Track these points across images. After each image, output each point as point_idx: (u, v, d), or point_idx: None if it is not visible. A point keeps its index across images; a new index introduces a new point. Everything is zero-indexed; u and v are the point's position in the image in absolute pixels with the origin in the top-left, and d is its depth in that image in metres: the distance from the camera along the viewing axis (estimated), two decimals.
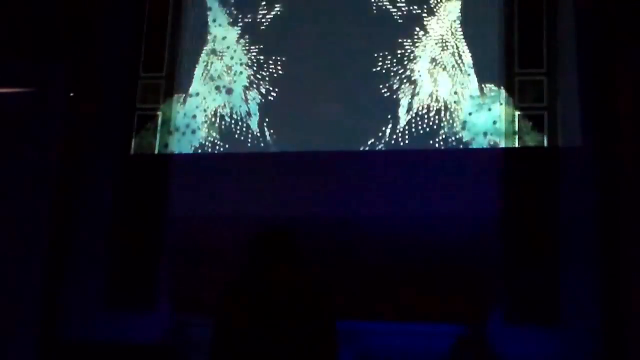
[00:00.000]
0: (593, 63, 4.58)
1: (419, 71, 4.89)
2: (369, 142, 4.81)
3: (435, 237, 4.51)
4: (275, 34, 5.09)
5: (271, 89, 5.02)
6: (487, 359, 4.31)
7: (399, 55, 4.92)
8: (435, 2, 4.96)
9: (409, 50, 4.93)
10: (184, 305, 4.68)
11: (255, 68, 5.07)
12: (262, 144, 4.95)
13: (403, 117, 4.82)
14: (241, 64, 5.10)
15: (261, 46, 5.09)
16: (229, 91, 5.08)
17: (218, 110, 5.06)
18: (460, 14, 4.91)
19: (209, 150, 5.01)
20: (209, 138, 5.03)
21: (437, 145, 4.74)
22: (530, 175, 4.59)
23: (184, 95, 5.13)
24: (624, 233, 4.27)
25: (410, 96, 4.85)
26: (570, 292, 4.31)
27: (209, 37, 5.18)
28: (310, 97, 4.97)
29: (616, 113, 4.42)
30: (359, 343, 4.23)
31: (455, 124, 4.75)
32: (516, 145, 4.66)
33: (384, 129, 4.81)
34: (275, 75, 5.03)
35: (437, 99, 4.83)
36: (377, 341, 4.38)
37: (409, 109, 4.83)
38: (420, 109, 4.82)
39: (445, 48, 4.89)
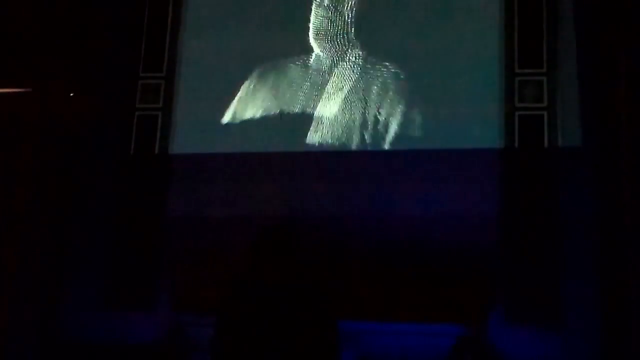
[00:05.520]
0: (593, 63, 4.57)
1: None
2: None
3: (435, 237, 4.51)
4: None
5: (269, 87, 5.03)
6: (487, 359, 4.31)
7: None
8: None
9: None
10: (184, 305, 4.68)
11: (254, 67, 5.08)
12: (261, 144, 4.95)
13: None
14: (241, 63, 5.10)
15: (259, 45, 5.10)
16: (228, 90, 5.08)
17: (218, 110, 5.06)
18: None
19: (208, 150, 5.01)
20: (209, 138, 5.03)
21: None
22: (530, 175, 4.59)
23: (183, 95, 5.13)
24: (624, 233, 4.27)
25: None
26: (571, 292, 4.31)
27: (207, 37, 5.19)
28: (310, 95, 4.97)
29: (616, 113, 4.42)
30: (359, 343, 4.23)
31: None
32: (516, 145, 4.66)
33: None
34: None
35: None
36: (377, 341, 4.38)
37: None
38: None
39: None
